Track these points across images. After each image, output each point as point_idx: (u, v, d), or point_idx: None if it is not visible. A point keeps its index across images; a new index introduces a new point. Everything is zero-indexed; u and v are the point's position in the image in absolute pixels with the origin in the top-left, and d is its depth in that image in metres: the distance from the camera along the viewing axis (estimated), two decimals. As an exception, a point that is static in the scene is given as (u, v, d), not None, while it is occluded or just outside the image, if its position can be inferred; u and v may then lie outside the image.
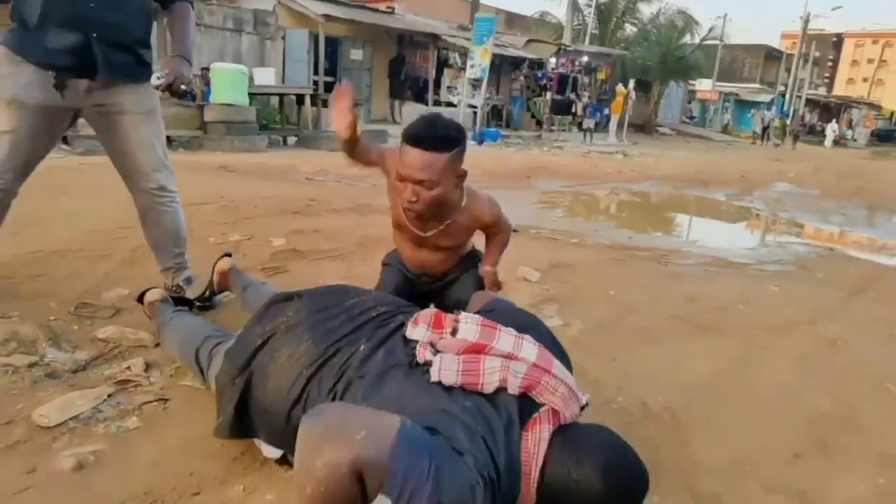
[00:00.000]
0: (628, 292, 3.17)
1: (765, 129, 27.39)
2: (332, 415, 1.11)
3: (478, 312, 1.54)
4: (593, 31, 23.62)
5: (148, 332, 2.22)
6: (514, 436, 1.23)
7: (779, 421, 2.05)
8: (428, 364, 1.34)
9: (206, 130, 8.55)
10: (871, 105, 45.38)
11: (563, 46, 19.61)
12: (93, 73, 2.15)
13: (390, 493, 1.01)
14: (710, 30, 26.87)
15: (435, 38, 15.90)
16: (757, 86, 38.12)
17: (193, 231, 2.96)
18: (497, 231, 2.05)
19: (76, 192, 4.54)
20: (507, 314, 1.58)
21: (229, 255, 2.53)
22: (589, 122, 17.22)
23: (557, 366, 1.34)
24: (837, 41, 66.49)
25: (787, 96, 33.90)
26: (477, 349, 1.33)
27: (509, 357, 1.31)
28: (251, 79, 9.27)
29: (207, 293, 2.54)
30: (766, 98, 35.97)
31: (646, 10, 24.92)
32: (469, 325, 1.39)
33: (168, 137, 8.07)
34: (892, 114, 48.54)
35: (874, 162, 20.60)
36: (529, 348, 1.35)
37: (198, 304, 2.54)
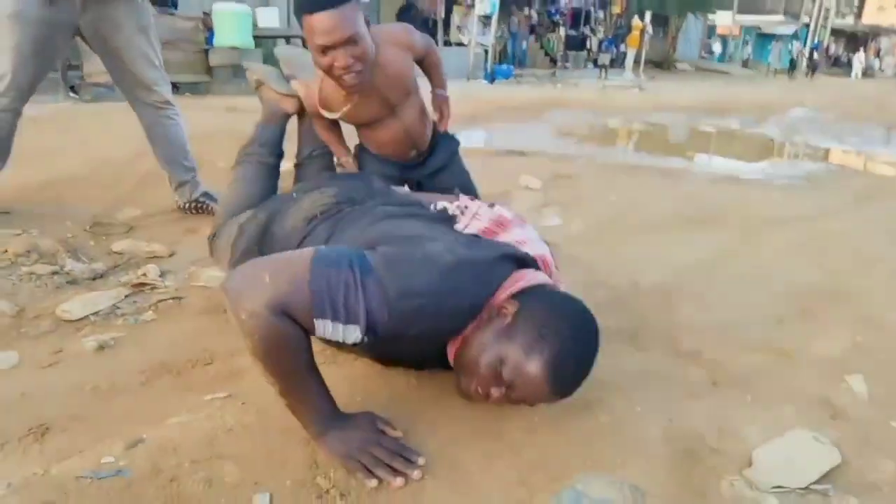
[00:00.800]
0: (629, 194, 3.23)
1: (792, 61, 26.43)
2: (243, 269, 1.12)
3: None
4: (607, -35, 22.83)
5: (161, 244, 2.34)
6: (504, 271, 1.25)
7: (765, 292, 2.13)
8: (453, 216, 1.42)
9: (212, 75, 8.56)
10: (901, 33, 43.54)
11: (575, -20, 19.04)
12: None
13: (322, 314, 1.04)
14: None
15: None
16: (780, 17, 36.67)
17: (202, 157, 3.05)
18: (422, 52, 1.98)
19: (85, 129, 4.65)
20: None
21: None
22: (604, 58, 16.85)
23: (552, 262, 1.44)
24: (867, -34, 63.31)
25: (812, 26, 32.63)
26: (506, 224, 1.42)
27: (527, 241, 1.39)
28: (255, 20, 9.20)
29: None
30: (789, 30, 34.66)
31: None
32: (504, 209, 1.48)
33: (174, 83, 8.08)
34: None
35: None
36: (542, 244, 1.45)
37: None
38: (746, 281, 2.23)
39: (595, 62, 18.11)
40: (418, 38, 1.96)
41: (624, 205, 3.07)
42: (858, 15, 47.60)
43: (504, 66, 14.47)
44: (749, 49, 34.45)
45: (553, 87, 13.26)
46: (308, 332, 1.08)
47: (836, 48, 36.73)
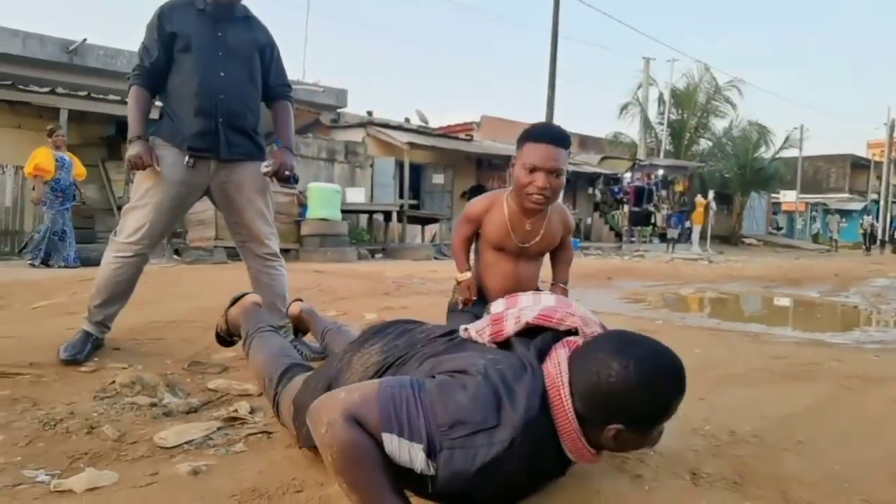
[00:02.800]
0: (713, 350, 3.16)
1: (866, 235, 26.03)
2: (321, 396, 1.26)
3: None
4: (667, 148, 24.09)
5: (253, 383, 2.45)
6: (535, 370, 1.25)
7: (879, 448, 1.97)
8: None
9: (302, 243, 9.29)
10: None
11: (637, 161, 20.07)
12: (219, 151, 2.60)
13: (389, 428, 1.13)
14: (787, 140, 26.80)
15: (510, 159, 16.67)
16: (846, 195, 36.93)
17: None
18: (567, 244, 2.39)
19: (188, 283, 5.07)
20: None
21: (300, 299, 2.73)
22: (672, 232, 17.18)
23: (578, 307, 1.41)
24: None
25: (882, 203, 32.55)
26: (500, 315, 1.43)
27: (525, 308, 1.40)
28: (343, 197, 10.12)
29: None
30: (857, 206, 34.66)
31: (719, 125, 25.38)
32: (498, 303, 1.51)
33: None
34: None
35: None
36: (548, 299, 1.44)
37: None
38: (854, 436, 2.08)
39: (662, 236, 18.43)
40: (572, 225, 2.42)
41: (709, 358, 2.99)
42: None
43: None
44: (818, 224, 34.39)
45: (620, 258, 13.49)
46: (377, 443, 1.14)
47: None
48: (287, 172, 2.74)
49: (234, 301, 2.41)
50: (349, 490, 1.16)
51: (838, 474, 1.77)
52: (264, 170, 2.69)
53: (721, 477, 1.69)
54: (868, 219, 27.47)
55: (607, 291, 7.35)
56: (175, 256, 7.87)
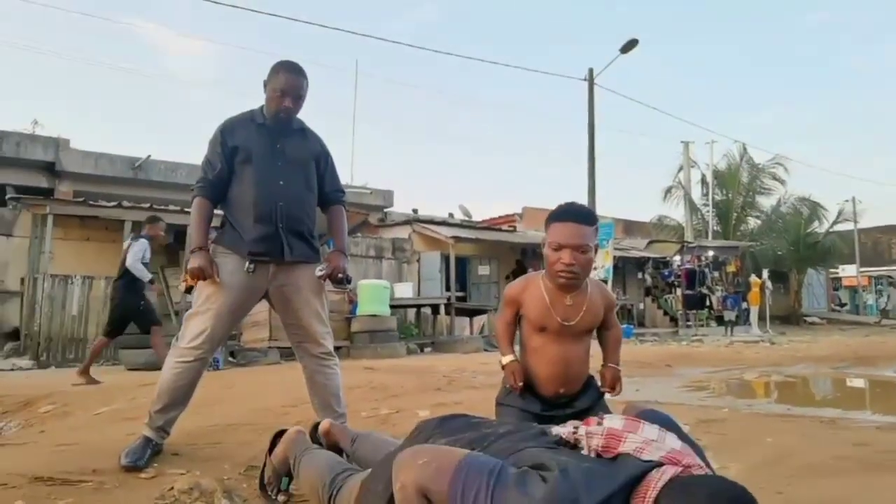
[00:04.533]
0: (786, 438, 2.96)
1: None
2: (415, 447, 1.31)
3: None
4: (715, 229, 23.76)
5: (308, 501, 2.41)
6: (625, 480, 1.21)
7: None
8: (568, 442, 1.41)
9: (353, 340, 9.35)
10: None
11: (685, 244, 19.82)
12: (280, 255, 2.70)
13: None
14: (840, 213, 26.11)
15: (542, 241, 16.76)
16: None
17: (348, 407, 3.25)
18: (613, 322, 2.36)
19: (244, 385, 5.12)
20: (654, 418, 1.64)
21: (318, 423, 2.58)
22: (730, 314, 16.64)
23: (698, 459, 1.35)
24: None
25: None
26: (619, 435, 1.36)
27: (649, 441, 1.33)
28: (392, 293, 10.25)
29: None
30: (924, 277, 32.98)
31: (765, 203, 25.01)
32: (614, 419, 1.47)
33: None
34: None
35: None
36: (673, 440, 1.37)
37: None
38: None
39: (719, 319, 17.85)
40: (614, 300, 2.44)
41: (784, 448, 2.81)
42: None
43: (625, 326, 14.61)
44: (885, 299, 32.74)
45: (677, 343, 13.04)
46: None
47: None
48: (340, 275, 2.82)
49: (276, 438, 2.35)
50: None
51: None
52: (319, 273, 2.79)
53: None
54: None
55: (667, 380, 7.06)
56: (231, 359, 8.01)
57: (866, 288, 32.96)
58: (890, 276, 33.81)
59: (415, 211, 17.59)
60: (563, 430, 1.45)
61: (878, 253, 36.24)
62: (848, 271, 31.20)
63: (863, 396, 6.41)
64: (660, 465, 1.26)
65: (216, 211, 2.80)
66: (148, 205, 10.93)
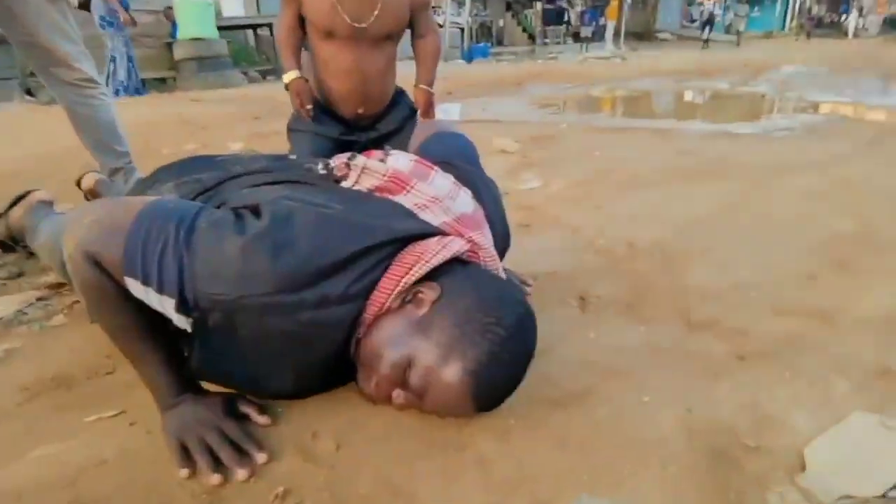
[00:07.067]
0: (616, 152, 2.88)
1: (703, 25, 19.79)
2: (81, 207, 1.00)
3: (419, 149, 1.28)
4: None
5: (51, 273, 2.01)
6: (385, 238, 0.95)
7: (788, 246, 1.79)
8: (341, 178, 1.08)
9: (178, 70, 8.16)
10: (881, -11, 43.13)
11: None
12: None
13: (132, 273, 0.87)
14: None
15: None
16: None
17: (148, 144, 2.72)
18: (427, 27, 1.89)
19: (40, 127, 4.31)
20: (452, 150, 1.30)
21: (96, 171, 2.22)
22: (586, 31, 16.48)
23: (487, 235, 1.09)
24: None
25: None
26: (404, 181, 1.05)
27: (436, 200, 1.03)
28: (218, 9, 8.80)
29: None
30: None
31: None
32: (400, 157, 1.12)
33: (142, 80, 7.82)
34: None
35: (884, 48, 19.60)
36: (466, 199, 1.08)
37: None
38: (762, 234, 1.89)
39: (575, 36, 17.73)
40: (430, 12, 1.91)
41: (610, 161, 2.72)
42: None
43: (481, 45, 14.10)
44: (731, 15, 33.95)
45: (533, 62, 12.88)
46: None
47: (817, 9, 36.30)
48: None
49: (16, 201, 1.90)
50: (105, 332, 0.97)
51: (745, 282, 1.57)
52: None
53: (613, 300, 1.46)
54: (708, 4, 20.74)
55: (517, 98, 6.92)
56: (28, 97, 6.78)
57: (719, 2, 33.73)
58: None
59: None
60: (337, 162, 1.10)
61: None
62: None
63: (695, 108, 6.68)
64: (442, 233, 0.99)
65: None
66: None
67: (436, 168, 1.10)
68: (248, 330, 0.88)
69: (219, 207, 1.01)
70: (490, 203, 1.18)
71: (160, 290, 0.87)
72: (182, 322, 0.89)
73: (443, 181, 1.08)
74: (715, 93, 7.57)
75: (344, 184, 1.06)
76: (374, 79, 1.82)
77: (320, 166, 1.10)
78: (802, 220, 1.99)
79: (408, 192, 1.03)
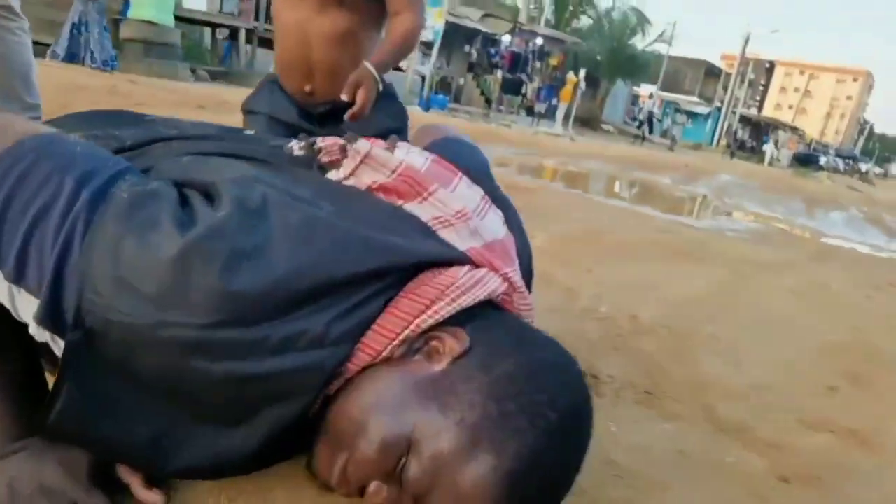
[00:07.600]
0: (594, 216, 2.71)
1: (641, 123, 22.04)
2: None
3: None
4: (549, 18, 23.50)
5: None
6: (392, 262, 0.64)
7: (794, 348, 1.62)
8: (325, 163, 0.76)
9: (122, 49, 7.57)
10: (794, 129, 47.59)
11: (518, 25, 19.29)
12: None
13: None
14: (662, 33, 27.25)
15: None
16: (696, 98, 39.15)
17: (66, 108, 2.25)
18: (401, 4, 1.44)
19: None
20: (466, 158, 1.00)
21: None
22: (540, 107, 16.94)
23: (516, 270, 0.78)
24: (770, 67, 70.14)
25: (724, 110, 34.96)
26: (421, 182, 0.74)
27: (463, 215, 0.72)
28: (179, 3, 8.33)
29: None
30: (703, 110, 36.95)
31: (602, 3, 25.12)
32: (412, 151, 0.80)
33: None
34: (812, 140, 51.54)
35: (797, 179, 21.36)
36: (496, 219, 0.79)
37: None
38: (762, 329, 1.73)
39: (529, 109, 18.21)
40: None
41: (592, 225, 2.53)
42: (759, 108, 52.47)
43: (440, 96, 14.17)
44: (668, 122, 36.27)
45: (487, 124, 13.02)
46: None
47: (742, 133, 39.49)
48: None
49: None
50: None
51: (761, 383, 1.36)
52: None
53: (628, 383, 1.20)
54: (648, 103, 23.76)
55: (473, 151, 6.81)
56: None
57: (659, 108, 35.98)
58: (677, 103, 37.25)
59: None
60: (327, 142, 0.78)
61: (677, 81, 39.29)
62: (647, 89, 33.48)
63: (648, 195, 6.78)
64: (471, 262, 0.68)
65: None
66: None
67: (460, 173, 0.80)
68: (159, 375, 0.55)
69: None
70: (518, 233, 0.89)
71: (16, 277, 0.54)
72: (45, 338, 0.55)
73: (469, 192, 0.78)
74: (662, 186, 7.78)
75: (332, 174, 0.74)
76: (319, 47, 1.46)
77: (296, 146, 0.77)
78: (798, 321, 1.86)
79: (424, 199, 0.72)
